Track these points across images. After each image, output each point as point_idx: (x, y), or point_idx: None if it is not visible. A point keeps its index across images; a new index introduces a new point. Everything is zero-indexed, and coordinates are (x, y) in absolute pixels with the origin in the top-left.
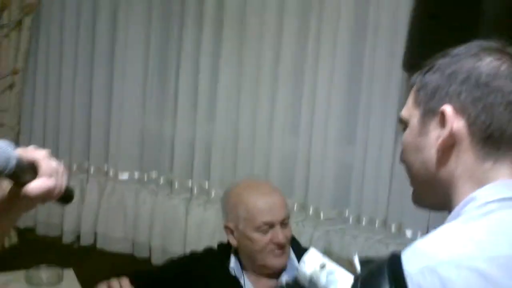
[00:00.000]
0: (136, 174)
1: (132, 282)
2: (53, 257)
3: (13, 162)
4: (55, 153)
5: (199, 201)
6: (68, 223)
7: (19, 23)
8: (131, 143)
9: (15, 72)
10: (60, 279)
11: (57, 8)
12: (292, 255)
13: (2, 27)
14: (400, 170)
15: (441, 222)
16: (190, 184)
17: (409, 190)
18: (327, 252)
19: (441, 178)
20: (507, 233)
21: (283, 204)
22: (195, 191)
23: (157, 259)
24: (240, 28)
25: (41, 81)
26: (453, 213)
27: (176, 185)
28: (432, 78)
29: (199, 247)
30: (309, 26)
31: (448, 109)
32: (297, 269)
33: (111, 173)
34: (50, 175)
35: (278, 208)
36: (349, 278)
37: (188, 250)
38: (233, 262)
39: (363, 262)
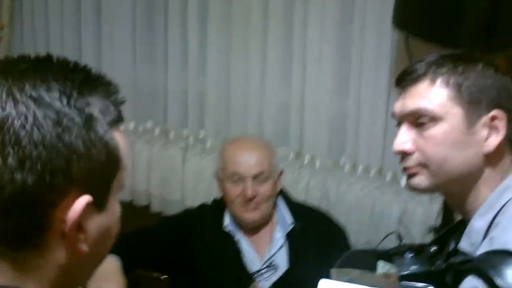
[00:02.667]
0: (131, 125)
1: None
2: None
3: None
4: None
5: (195, 150)
6: None
7: None
8: (124, 94)
9: (0, 28)
10: None
11: None
12: (283, 209)
13: None
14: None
15: None
16: (185, 134)
17: None
18: (324, 200)
19: (483, 172)
20: None
21: (260, 160)
22: (190, 140)
23: (156, 207)
24: None
25: (28, 36)
26: (495, 195)
27: (172, 135)
28: (475, 82)
29: (198, 195)
30: None
31: (500, 114)
32: None
33: None
34: None
35: (251, 162)
36: None
37: (186, 198)
38: (227, 219)
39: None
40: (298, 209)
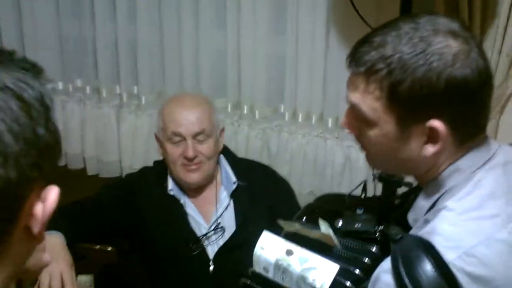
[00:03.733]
0: (60, 85)
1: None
2: None
3: None
4: None
5: (129, 108)
6: None
7: None
8: (49, 52)
9: None
10: None
11: None
12: (226, 167)
13: None
14: (334, 61)
15: None
16: (118, 91)
17: (344, 83)
18: (265, 150)
19: (423, 165)
20: (507, 193)
21: (200, 119)
22: (124, 98)
23: (93, 170)
24: None
25: None
26: (438, 181)
27: (104, 93)
28: (409, 90)
29: (135, 154)
30: None
31: (440, 126)
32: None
33: None
34: None
35: (191, 121)
36: (327, 264)
37: (124, 158)
38: (171, 182)
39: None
40: (241, 166)
